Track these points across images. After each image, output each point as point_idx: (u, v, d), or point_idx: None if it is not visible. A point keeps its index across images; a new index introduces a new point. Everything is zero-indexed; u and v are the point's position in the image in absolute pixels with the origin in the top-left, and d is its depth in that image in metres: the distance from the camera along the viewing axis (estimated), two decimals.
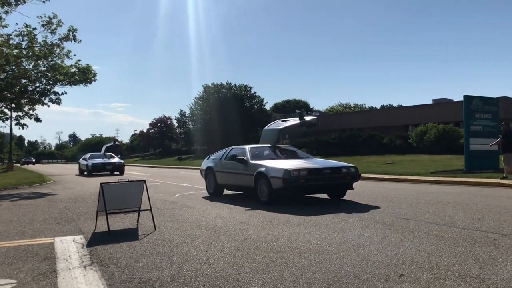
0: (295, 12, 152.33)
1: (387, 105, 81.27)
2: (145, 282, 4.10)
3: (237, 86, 62.41)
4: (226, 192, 12.36)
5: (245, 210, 8.98)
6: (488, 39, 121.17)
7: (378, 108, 76.31)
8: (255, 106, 62.04)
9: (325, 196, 10.86)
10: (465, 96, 18.50)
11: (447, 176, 16.41)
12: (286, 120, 13.25)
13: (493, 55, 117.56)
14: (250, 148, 11.39)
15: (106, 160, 27.46)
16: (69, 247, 5.75)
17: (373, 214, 8.00)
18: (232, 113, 53.36)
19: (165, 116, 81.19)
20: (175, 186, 16.05)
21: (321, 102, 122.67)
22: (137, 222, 7.44)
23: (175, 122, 74.04)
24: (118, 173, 26.55)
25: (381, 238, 5.82)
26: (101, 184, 6.75)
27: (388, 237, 5.89)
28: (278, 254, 5.02)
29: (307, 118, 12.61)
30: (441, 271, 4.20)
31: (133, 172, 30.84)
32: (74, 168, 41.12)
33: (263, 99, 62.93)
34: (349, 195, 10.73)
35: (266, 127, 12.93)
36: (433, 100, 46.22)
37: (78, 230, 7.14)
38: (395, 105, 74.05)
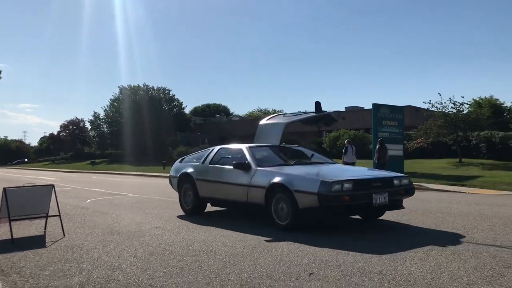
0: (215, 17, 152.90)
1: (302, 111, 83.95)
2: None
3: (155, 88, 61.21)
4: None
5: (161, 215, 8.84)
6: (396, 50, 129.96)
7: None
8: (174, 110, 61.18)
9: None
10: (373, 104, 19.65)
11: None
12: (291, 114, 10.22)
13: (400, 65, 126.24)
14: (250, 147, 8.00)
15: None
16: None
17: None
18: (149, 116, 52.16)
19: (77, 118, 77.41)
20: (87, 191, 15.35)
21: (240, 107, 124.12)
22: (45, 229, 7.04)
23: (88, 125, 70.82)
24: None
25: (294, 238, 6.02)
26: (4, 188, 6.31)
27: (299, 237, 6.10)
28: (193, 258, 5.02)
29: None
30: (347, 269, 4.44)
31: (42, 176, 29.02)
32: None
33: (182, 102, 62.27)
34: None
35: (263, 121, 9.73)
36: (345, 107, 48.51)
37: None
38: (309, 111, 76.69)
